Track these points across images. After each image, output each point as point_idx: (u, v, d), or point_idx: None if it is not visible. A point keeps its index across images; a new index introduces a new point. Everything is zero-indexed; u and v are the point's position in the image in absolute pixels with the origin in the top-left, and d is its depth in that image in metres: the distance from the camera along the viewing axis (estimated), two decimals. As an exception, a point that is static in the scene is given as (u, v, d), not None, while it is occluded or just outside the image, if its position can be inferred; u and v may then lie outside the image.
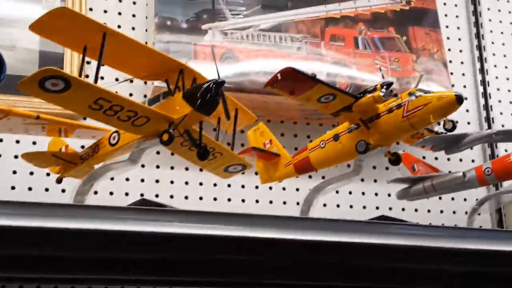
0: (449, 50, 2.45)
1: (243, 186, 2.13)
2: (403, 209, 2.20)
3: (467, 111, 2.42)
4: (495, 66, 2.53)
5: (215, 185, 2.10)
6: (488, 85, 2.48)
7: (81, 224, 1.18)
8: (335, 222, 1.48)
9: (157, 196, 2.03)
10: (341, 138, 1.72)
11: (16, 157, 1.91)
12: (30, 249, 1.20)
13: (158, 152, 2.00)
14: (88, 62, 1.67)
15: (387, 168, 2.21)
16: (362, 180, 2.23)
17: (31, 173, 1.92)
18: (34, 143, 1.93)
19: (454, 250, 1.51)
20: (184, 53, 1.99)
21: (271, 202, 2.16)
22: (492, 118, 2.44)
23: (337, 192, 2.05)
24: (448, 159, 2.31)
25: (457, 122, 2.16)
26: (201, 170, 1.91)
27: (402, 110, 1.57)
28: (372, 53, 2.22)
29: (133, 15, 2.18)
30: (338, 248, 1.46)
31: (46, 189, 1.93)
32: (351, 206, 2.22)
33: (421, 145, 1.85)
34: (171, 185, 2.08)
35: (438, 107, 1.54)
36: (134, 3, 2.19)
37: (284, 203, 2.15)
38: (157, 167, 2.09)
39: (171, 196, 2.06)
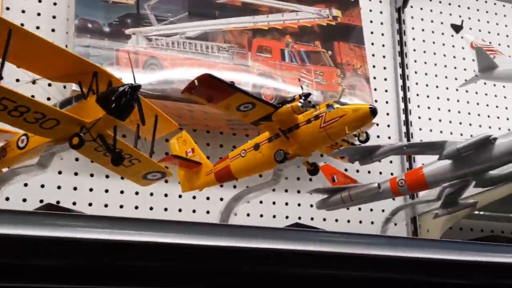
0: (373, 66, 2.46)
1: (166, 195, 2.06)
2: (324, 219, 2.17)
3: (388, 126, 2.43)
4: (416, 83, 2.55)
5: (136, 193, 2.01)
6: (409, 102, 2.49)
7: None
8: (249, 228, 1.41)
9: (74, 204, 1.92)
10: (261, 147, 1.68)
11: None
12: None
13: (76, 159, 1.91)
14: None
15: (310, 180, 2.15)
16: (286, 190, 2.19)
17: None
18: None
19: (364, 256, 1.47)
20: (105, 58, 1.91)
21: (194, 211, 2.09)
22: (411, 133, 2.45)
23: (261, 202, 2.01)
24: (369, 172, 2.31)
25: (378, 136, 2.15)
26: (122, 178, 1.81)
27: (320, 121, 1.56)
28: (298, 66, 2.19)
29: (53, 17, 2.06)
30: (252, 254, 1.40)
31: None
32: (274, 216, 2.17)
33: (339, 156, 1.82)
34: (90, 193, 1.97)
35: (354, 119, 1.52)
36: (54, 4, 2.07)
37: (208, 212, 2.08)
38: (76, 174, 1.97)
39: (90, 204, 1.95)
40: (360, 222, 2.28)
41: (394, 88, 2.49)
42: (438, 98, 2.55)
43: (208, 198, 2.07)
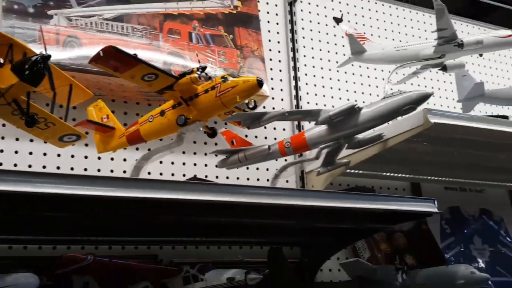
0: (270, 50, 2.45)
1: (86, 157, 1.96)
2: (216, 177, 2.11)
3: (282, 99, 2.44)
4: (305, 65, 2.56)
5: (58, 155, 1.91)
6: (299, 80, 2.50)
7: None
8: (157, 181, 1.38)
9: (0, 164, 1.82)
10: (166, 113, 1.65)
11: None
12: None
13: (3, 125, 1.80)
14: None
15: (205, 143, 2.15)
16: (184, 152, 2.11)
17: None
18: None
19: (258, 205, 1.47)
20: (28, 35, 1.79)
21: (112, 171, 1.99)
22: (301, 106, 2.44)
23: (161, 162, 1.93)
24: (266, 137, 2.29)
25: (273, 108, 2.14)
26: (45, 142, 1.72)
27: (215, 91, 1.53)
28: (204, 47, 2.14)
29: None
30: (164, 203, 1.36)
31: None
32: (172, 174, 2.09)
33: (233, 121, 1.80)
34: (16, 155, 1.86)
35: (244, 89, 1.51)
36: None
37: (124, 171, 1.97)
38: (2, 138, 1.86)
39: (15, 165, 1.84)
40: (248, 179, 2.24)
41: (287, 69, 2.48)
42: (322, 77, 2.58)
43: (125, 160, 1.99)
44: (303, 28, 2.57)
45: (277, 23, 2.51)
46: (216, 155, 1.98)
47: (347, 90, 2.62)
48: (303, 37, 2.56)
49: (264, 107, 2.24)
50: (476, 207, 2.73)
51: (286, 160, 2.17)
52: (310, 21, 2.61)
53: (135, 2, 2.06)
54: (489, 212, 2.75)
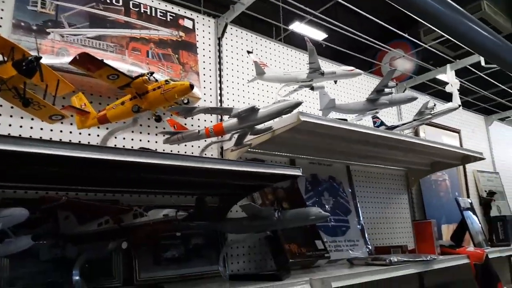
0: (204, 68, 2.37)
1: (70, 132, 1.82)
2: (163, 150, 2.02)
3: (210, 102, 2.36)
4: (227, 80, 2.49)
5: (51, 130, 1.76)
6: (223, 90, 2.44)
7: None
8: (118, 149, 1.29)
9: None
10: (126, 103, 1.57)
11: None
12: None
13: (12, 107, 1.61)
14: None
15: (156, 127, 2.05)
16: (140, 132, 2.02)
17: None
18: None
19: (190, 168, 1.44)
20: (30, 46, 1.60)
21: (89, 142, 1.84)
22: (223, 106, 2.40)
23: (124, 138, 1.84)
24: (198, 126, 2.22)
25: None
26: (32, 119, 1.58)
27: (161, 90, 1.48)
28: (157, 61, 2.04)
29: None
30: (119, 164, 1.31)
31: None
32: (132, 147, 1.98)
33: (173, 111, 1.73)
34: (9, 127, 1.67)
35: (180, 89, 1.47)
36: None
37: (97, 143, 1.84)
38: (10, 116, 1.68)
39: (9, 134, 1.66)
40: (185, 152, 2.17)
41: (215, 82, 2.41)
42: (238, 89, 2.53)
43: (98, 135, 1.86)
44: (226, 56, 2.51)
45: (209, 51, 2.43)
46: (164, 135, 1.92)
47: (253, 99, 2.59)
48: (227, 62, 2.50)
49: (198, 105, 2.17)
50: (327, 175, 2.83)
51: (205, 140, 2.12)
52: (232, 52, 2.55)
53: (110, 27, 1.92)
54: (334, 178, 2.87)
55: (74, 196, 1.65)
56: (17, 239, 1.24)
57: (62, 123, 1.70)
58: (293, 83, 2.32)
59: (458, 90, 3.24)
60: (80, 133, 1.82)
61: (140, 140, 2.02)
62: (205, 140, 2.08)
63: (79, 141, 1.82)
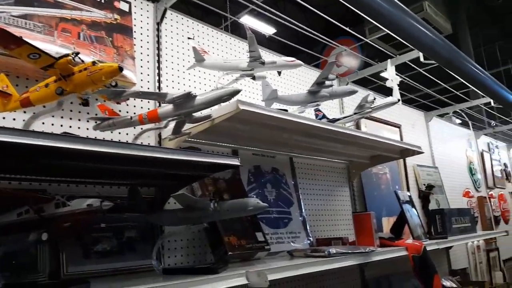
0: (141, 53, 2.33)
1: None
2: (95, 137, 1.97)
3: (148, 88, 2.32)
4: (166, 67, 2.46)
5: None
6: (161, 77, 2.41)
7: None
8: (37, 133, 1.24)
9: None
10: (49, 85, 1.51)
11: None
12: None
13: None
14: None
15: (88, 113, 2.00)
16: (71, 118, 1.96)
17: None
18: None
19: (120, 155, 1.44)
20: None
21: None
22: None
23: (52, 124, 1.78)
24: (134, 113, 2.17)
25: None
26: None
27: (87, 71, 1.44)
28: (89, 44, 1.98)
29: None
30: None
31: None
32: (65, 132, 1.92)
33: (101, 94, 1.69)
34: None
35: (108, 71, 1.44)
36: None
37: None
38: None
39: None
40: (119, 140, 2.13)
41: (153, 65, 2.38)
42: (178, 76, 2.52)
43: (24, 120, 1.76)
44: (166, 42, 2.49)
45: (147, 35, 2.40)
46: (95, 122, 1.87)
47: (194, 87, 2.59)
48: (166, 48, 2.48)
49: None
50: (270, 166, 2.91)
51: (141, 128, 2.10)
52: (171, 38, 2.53)
53: (38, 6, 1.83)
54: (277, 169, 2.95)
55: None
56: None
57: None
58: (234, 71, 2.35)
59: (398, 85, 3.47)
60: (4, 118, 1.73)
61: (70, 127, 1.96)
62: (142, 128, 2.06)
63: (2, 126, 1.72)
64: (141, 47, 2.33)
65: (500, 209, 6.51)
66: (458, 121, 6.29)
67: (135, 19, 2.27)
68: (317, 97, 2.57)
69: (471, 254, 5.08)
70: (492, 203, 6.21)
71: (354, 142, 2.93)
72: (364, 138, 2.83)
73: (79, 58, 1.44)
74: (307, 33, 3.41)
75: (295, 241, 2.79)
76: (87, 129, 2.00)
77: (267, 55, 2.96)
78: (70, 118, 1.96)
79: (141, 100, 2.25)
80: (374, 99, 2.99)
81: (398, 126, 4.60)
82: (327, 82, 2.52)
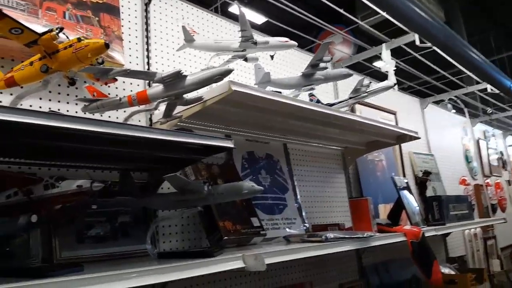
0: (129, 35, 2.31)
1: None
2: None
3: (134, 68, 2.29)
4: (155, 49, 2.45)
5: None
6: (150, 59, 2.39)
7: None
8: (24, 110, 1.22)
9: None
10: (34, 63, 1.50)
11: None
12: None
13: None
14: None
15: (76, 96, 1.97)
16: (59, 101, 1.94)
17: None
18: None
19: (110, 135, 1.41)
20: None
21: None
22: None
23: (30, 106, 1.77)
24: (124, 89, 2.18)
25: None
26: None
27: (72, 48, 1.43)
28: (75, 23, 1.96)
29: None
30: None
31: None
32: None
33: (87, 72, 1.67)
34: None
35: (94, 48, 1.43)
36: None
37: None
38: None
39: None
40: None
41: (142, 51, 2.36)
42: (168, 59, 2.51)
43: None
44: (155, 23, 2.47)
45: (136, 17, 2.38)
46: (83, 103, 1.85)
47: (185, 70, 2.58)
48: (155, 30, 2.47)
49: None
50: (264, 152, 2.92)
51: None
52: (160, 19, 2.52)
53: (20, -16, 1.81)
54: (271, 156, 2.96)
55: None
56: None
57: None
58: (225, 52, 2.34)
59: (394, 70, 3.50)
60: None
61: (58, 109, 1.94)
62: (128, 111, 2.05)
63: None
64: (129, 28, 2.31)
65: (497, 197, 6.61)
66: (454, 110, 6.35)
67: (122, -2, 2.26)
68: (312, 80, 2.57)
69: (468, 242, 5.17)
70: (489, 191, 6.30)
71: (350, 127, 2.95)
72: (361, 123, 2.85)
73: (64, 33, 1.42)
74: (301, 16, 3.40)
75: (291, 227, 2.81)
76: (76, 112, 1.98)
77: (260, 37, 2.94)
78: (58, 101, 1.95)
79: (130, 83, 2.24)
80: (370, 83, 3.01)
81: (393, 112, 4.63)
82: (322, 64, 2.52)
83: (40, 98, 1.85)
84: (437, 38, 3.52)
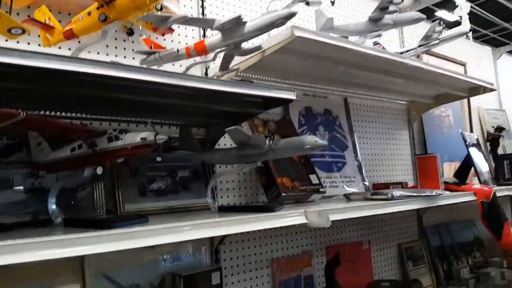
0: (183, -16, 2.18)
1: (39, 45, 1.64)
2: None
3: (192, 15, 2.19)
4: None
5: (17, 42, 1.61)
6: (205, 9, 2.28)
7: None
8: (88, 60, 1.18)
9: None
10: (92, 13, 1.44)
11: None
12: None
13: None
14: None
15: (133, 50, 1.91)
16: (116, 55, 1.91)
17: None
18: None
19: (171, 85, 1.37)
20: None
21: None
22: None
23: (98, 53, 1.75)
24: (179, 42, 2.10)
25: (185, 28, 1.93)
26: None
27: (129, -4, 1.33)
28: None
29: None
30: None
31: None
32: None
33: (145, 21, 1.59)
34: None
35: None
36: None
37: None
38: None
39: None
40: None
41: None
42: (224, 10, 2.36)
43: (69, 49, 1.72)
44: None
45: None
46: (140, 55, 1.80)
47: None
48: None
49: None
50: (322, 107, 2.78)
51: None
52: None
53: None
54: (330, 111, 2.81)
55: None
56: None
57: (29, 43, 1.60)
58: (286, -4, 2.17)
59: (468, 14, 3.11)
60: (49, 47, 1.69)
61: (98, 54, 1.91)
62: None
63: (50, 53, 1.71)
64: (184, -20, 2.20)
65: None
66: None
67: None
68: (379, 25, 2.33)
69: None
70: None
71: (417, 78, 2.70)
72: (429, 72, 2.58)
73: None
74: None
75: (350, 185, 2.70)
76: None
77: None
78: (116, 56, 1.91)
79: (186, 36, 2.16)
80: (443, 28, 2.69)
81: (462, 63, 4.23)
82: (391, 7, 2.26)
83: (98, 53, 1.82)
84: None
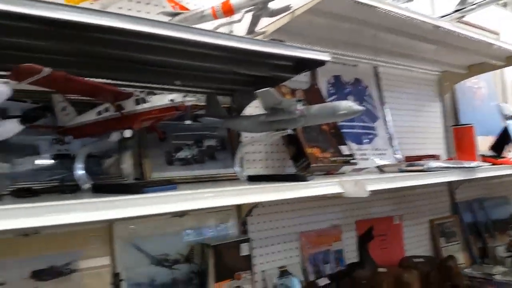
0: None
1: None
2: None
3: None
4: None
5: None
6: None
7: None
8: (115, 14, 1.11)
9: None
10: None
11: None
12: None
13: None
14: None
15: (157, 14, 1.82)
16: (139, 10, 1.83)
17: None
18: None
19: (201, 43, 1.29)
20: None
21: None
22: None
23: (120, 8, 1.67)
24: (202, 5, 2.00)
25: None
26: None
27: None
28: None
29: None
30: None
31: None
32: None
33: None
34: None
35: None
36: None
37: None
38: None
39: None
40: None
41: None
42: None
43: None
44: None
45: None
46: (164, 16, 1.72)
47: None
48: None
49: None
50: (352, 77, 2.66)
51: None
52: None
53: None
54: (360, 80, 2.70)
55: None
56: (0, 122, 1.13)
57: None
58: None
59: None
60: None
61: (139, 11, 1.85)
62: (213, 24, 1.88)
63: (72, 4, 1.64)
64: None
65: None
66: None
67: None
68: (412, -14, 2.18)
69: None
70: None
71: (451, 44, 2.54)
72: (465, 38, 2.41)
73: None
74: None
75: (381, 158, 2.59)
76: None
77: None
78: (137, 11, 1.84)
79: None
80: (479, -10, 2.51)
81: (496, 33, 3.99)
82: (427, -36, 2.11)
83: (120, 8, 1.75)
84: None
